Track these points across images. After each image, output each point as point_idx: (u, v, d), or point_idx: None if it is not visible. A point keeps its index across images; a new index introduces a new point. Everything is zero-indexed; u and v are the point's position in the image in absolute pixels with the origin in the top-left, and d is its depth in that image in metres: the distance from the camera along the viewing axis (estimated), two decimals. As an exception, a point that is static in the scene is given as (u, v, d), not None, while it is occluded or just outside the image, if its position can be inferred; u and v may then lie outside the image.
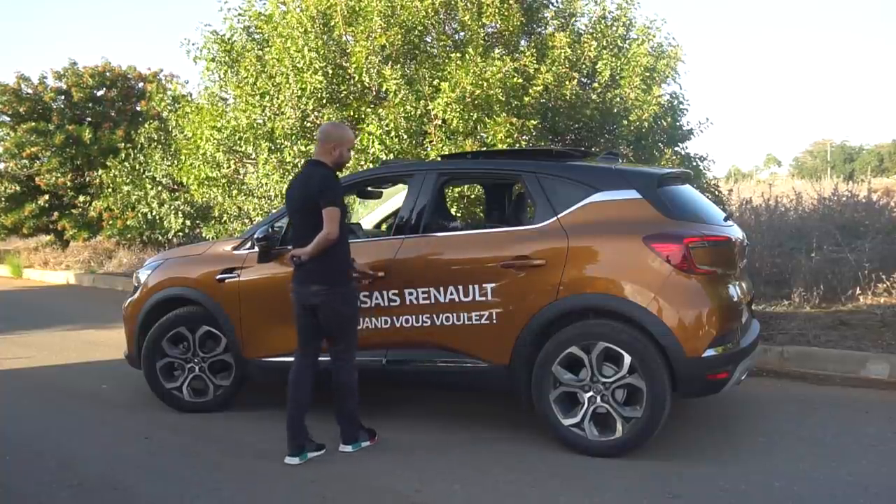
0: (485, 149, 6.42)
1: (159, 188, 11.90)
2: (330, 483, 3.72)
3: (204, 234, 9.79)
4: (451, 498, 3.54)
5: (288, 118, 7.28)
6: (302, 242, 3.99)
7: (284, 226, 4.69)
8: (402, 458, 4.07)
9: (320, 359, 4.18)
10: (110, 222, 13.77)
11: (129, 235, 13.77)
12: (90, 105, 15.35)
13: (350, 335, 4.11)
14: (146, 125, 12.77)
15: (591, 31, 7.98)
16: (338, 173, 4.14)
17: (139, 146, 12.75)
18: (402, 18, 7.13)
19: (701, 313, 3.92)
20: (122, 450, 4.29)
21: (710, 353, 3.88)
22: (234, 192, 8.18)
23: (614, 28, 7.93)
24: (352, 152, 4.12)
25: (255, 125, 7.49)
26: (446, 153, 6.27)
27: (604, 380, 3.96)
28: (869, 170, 30.44)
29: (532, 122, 6.71)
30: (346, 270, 4.05)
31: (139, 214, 12.46)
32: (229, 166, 8.09)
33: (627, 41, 7.90)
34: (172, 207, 11.68)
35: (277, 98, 7.38)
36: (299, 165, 7.37)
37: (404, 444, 4.27)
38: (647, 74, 7.41)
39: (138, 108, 15.24)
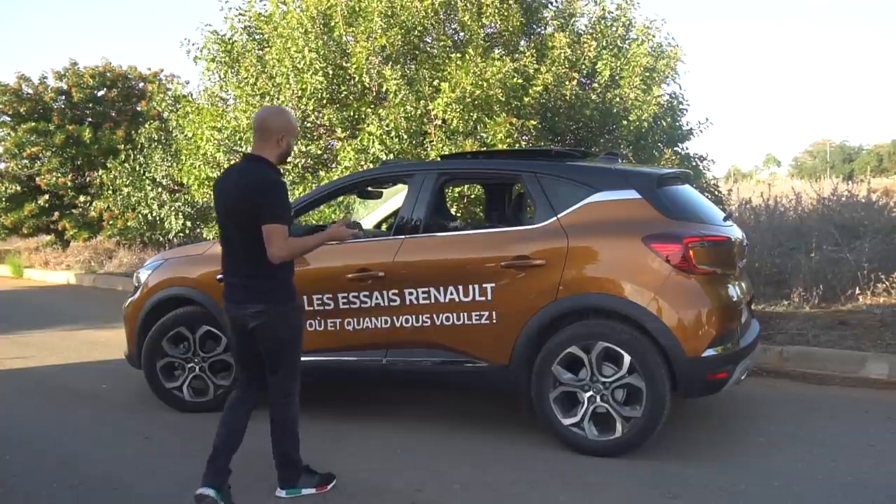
0: (485, 149, 6.43)
1: (159, 190, 11.90)
2: (330, 483, 3.72)
3: (204, 235, 9.80)
4: (451, 498, 3.54)
5: (288, 118, 7.27)
6: (233, 261, 3.42)
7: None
8: (402, 458, 4.07)
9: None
10: (110, 222, 13.78)
11: (129, 236, 13.77)
12: (90, 105, 15.35)
13: (289, 363, 3.51)
14: (146, 125, 12.78)
15: (590, 31, 7.99)
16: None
17: (139, 146, 12.76)
18: (402, 19, 7.14)
19: (700, 313, 3.92)
20: (122, 450, 4.29)
21: (709, 352, 3.88)
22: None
23: (614, 28, 7.94)
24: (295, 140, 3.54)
25: (255, 125, 7.49)
26: (445, 153, 6.28)
27: (603, 379, 3.96)
28: (868, 170, 30.37)
29: (532, 122, 6.72)
30: (290, 288, 3.47)
31: (139, 216, 12.46)
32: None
33: (627, 41, 7.91)
34: (173, 209, 11.68)
35: (278, 98, 7.39)
36: (299, 165, 7.41)
37: (404, 444, 4.27)
38: (647, 74, 7.42)
39: (139, 109, 15.25)
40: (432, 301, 4.29)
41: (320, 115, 7.31)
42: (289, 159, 7.18)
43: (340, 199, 6.69)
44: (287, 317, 3.43)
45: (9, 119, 15.03)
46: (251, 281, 3.37)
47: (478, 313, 4.20)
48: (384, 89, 6.95)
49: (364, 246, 4.65)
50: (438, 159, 6.06)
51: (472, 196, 6.94)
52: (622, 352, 3.91)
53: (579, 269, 4.06)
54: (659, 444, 4.05)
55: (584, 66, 7.58)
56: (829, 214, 9.47)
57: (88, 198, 14.57)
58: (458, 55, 6.83)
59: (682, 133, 7.98)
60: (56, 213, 15.09)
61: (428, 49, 7.51)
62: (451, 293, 4.25)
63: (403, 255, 4.42)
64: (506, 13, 7.31)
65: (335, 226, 3.58)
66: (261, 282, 3.37)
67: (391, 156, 6.71)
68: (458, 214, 6.56)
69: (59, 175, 14.58)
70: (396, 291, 4.36)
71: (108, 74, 15.34)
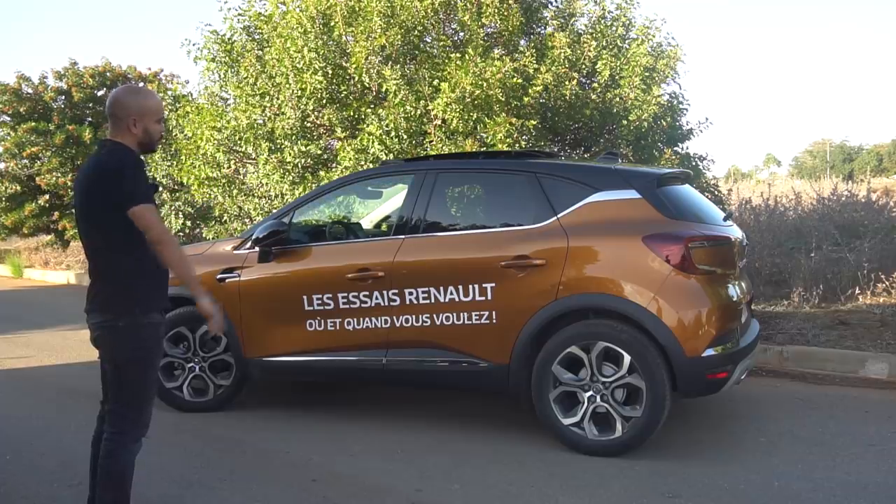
0: (485, 149, 6.43)
1: (159, 189, 11.90)
2: (331, 482, 3.73)
3: (204, 235, 9.80)
4: (451, 498, 3.54)
5: (288, 118, 7.29)
6: (95, 263, 2.89)
7: (286, 224, 4.72)
8: (402, 457, 4.07)
9: None
10: (110, 222, 13.78)
11: (129, 235, 13.76)
12: (91, 105, 15.35)
13: (129, 394, 2.88)
14: (146, 125, 12.73)
15: (590, 31, 7.98)
16: (143, 157, 2.98)
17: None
18: (401, 19, 7.13)
19: (700, 313, 3.93)
20: (123, 449, 4.28)
21: (709, 352, 3.89)
22: (235, 191, 8.19)
23: (614, 28, 7.94)
24: (161, 124, 2.94)
25: (255, 125, 7.50)
26: (410, 157, 6.31)
27: (603, 379, 3.97)
28: (868, 170, 30.49)
29: (532, 122, 6.72)
30: (135, 298, 2.84)
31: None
32: (229, 166, 8.09)
33: (627, 41, 7.91)
34: (172, 209, 11.68)
35: (277, 98, 7.39)
36: (299, 165, 7.41)
37: (404, 444, 4.27)
38: (647, 74, 7.41)
39: (139, 108, 15.24)
40: (432, 301, 4.30)
41: (320, 115, 7.31)
42: (291, 160, 7.28)
43: (340, 199, 6.69)
44: (127, 332, 2.82)
45: (9, 119, 15.03)
46: (96, 287, 2.87)
47: (478, 313, 4.21)
48: (384, 89, 6.95)
49: (364, 246, 4.66)
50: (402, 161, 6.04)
51: (473, 196, 6.93)
52: (622, 352, 3.92)
53: (579, 269, 4.07)
54: (659, 444, 4.05)
55: (584, 66, 7.57)
56: (829, 214, 9.48)
57: (89, 198, 14.56)
58: (458, 55, 6.83)
59: (682, 133, 7.98)
60: (56, 213, 15.09)
61: (428, 49, 7.51)
62: (452, 293, 4.26)
63: (403, 255, 4.43)
64: (506, 13, 7.30)
65: (208, 298, 3.04)
66: (104, 288, 2.85)
67: (391, 156, 6.71)
68: (458, 214, 6.56)
69: (60, 175, 14.58)
70: (396, 291, 4.37)
71: (108, 74, 15.34)
